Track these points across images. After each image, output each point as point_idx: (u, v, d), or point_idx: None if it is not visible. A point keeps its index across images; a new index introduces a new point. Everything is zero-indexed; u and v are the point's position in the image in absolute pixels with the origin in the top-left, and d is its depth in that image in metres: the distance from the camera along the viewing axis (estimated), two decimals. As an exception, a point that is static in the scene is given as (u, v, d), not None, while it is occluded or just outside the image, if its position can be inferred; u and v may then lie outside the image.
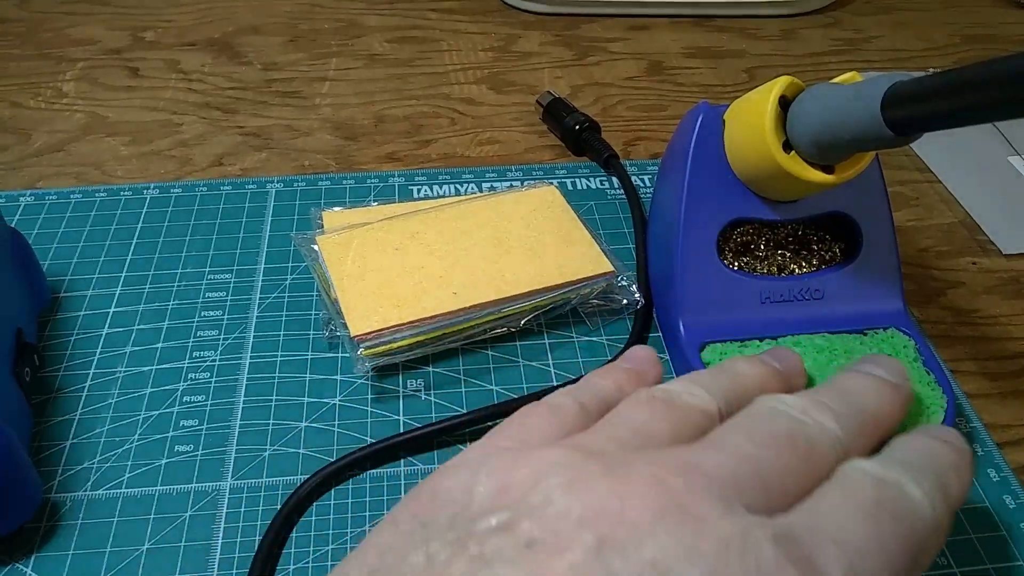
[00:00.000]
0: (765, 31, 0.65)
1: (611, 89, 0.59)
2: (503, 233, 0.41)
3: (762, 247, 0.39)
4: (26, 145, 0.52)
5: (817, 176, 0.34)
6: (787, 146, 0.34)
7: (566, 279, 0.39)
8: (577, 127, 0.52)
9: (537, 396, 0.36)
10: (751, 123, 0.35)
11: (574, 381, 0.37)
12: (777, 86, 0.34)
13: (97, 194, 0.48)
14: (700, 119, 0.37)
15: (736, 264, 0.38)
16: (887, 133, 0.30)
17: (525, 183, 0.49)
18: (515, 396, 0.37)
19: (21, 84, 0.58)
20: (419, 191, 0.49)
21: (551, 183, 0.46)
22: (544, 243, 0.41)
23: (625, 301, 0.40)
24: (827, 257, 0.39)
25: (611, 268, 0.40)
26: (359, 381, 0.38)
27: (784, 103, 0.34)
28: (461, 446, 0.35)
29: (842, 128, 0.31)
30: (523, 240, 0.41)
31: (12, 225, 0.39)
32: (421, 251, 0.40)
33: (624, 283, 0.40)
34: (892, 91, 0.29)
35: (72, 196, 0.48)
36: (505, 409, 0.36)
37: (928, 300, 0.44)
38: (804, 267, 0.39)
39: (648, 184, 0.50)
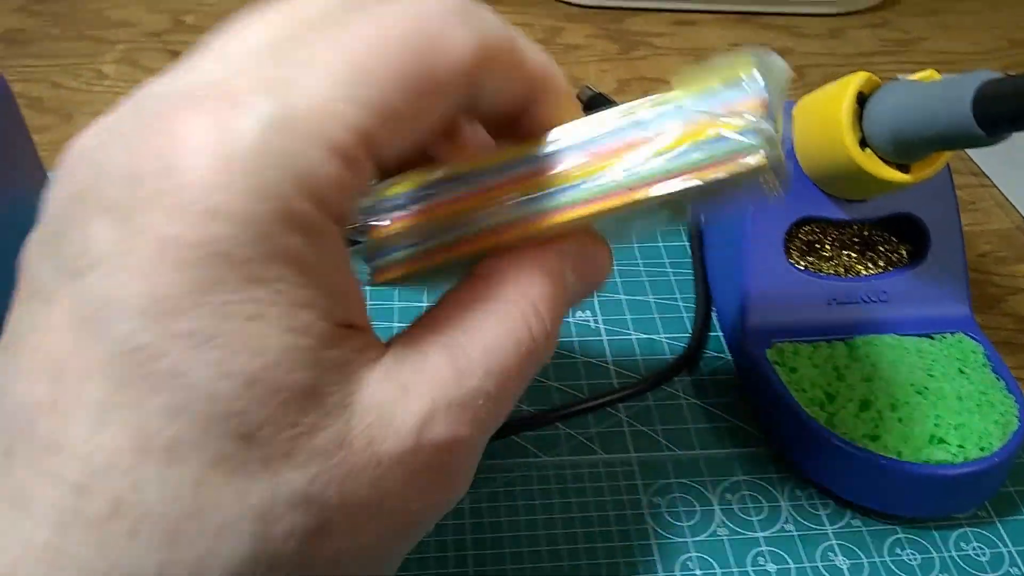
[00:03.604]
0: (811, 29, 0.64)
1: (659, 84, 0.58)
2: None
3: (828, 247, 0.38)
4: (68, 126, 0.52)
5: (894, 175, 0.33)
6: (862, 143, 0.33)
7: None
8: (624, 122, 0.51)
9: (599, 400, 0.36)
10: (825, 119, 0.34)
11: (635, 385, 0.37)
12: (854, 81, 0.33)
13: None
14: (770, 114, 0.37)
15: (802, 264, 0.38)
16: (977, 131, 0.29)
17: None
18: (579, 395, 0.36)
19: (62, 65, 0.57)
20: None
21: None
22: None
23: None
24: (893, 259, 0.38)
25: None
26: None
27: (860, 100, 0.33)
28: (530, 456, 0.35)
29: (926, 126, 0.30)
30: None
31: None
32: None
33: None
34: (984, 88, 0.28)
35: (117, 179, 0.47)
36: (566, 412, 0.35)
37: (989, 306, 0.43)
38: (870, 268, 0.38)
39: (700, 181, 0.49)
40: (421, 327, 0.20)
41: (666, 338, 0.39)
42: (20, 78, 0.56)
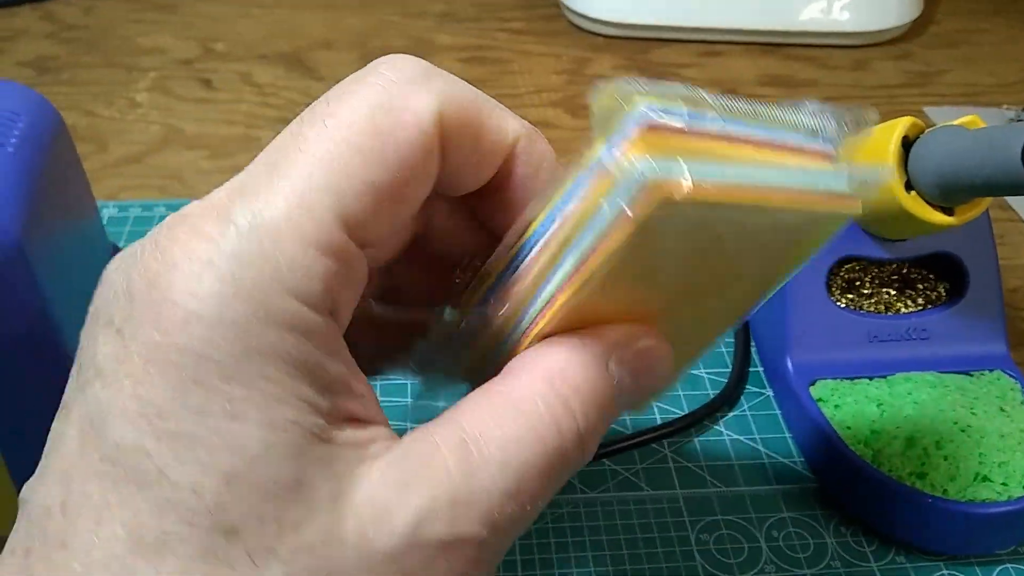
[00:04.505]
0: (835, 61, 0.65)
1: (686, 116, 0.58)
2: None
3: (868, 285, 0.39)
4: (104, 155, 0.52)
5: (939, 218, 0.33)
6: (907, 186, 0.34)
7: None
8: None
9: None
10: (870, 161, 0.35)
11: (679, 421, 0.37)
12: (900, 126, 0.34)
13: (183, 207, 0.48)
14: (813, 154, 0.37)
15: (843, 301, 0.38)
16: (1026, 180, 0.29)
17: None
18: (623, 431, 0.37)
19: (94, 92, 0.58)
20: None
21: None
22: None
23: None
24: (932, 297, 0.39)
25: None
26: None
27: (904, 143, 0.34)
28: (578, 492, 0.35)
29: (973, 173, 0.31)
30: None
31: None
32: None
33: None
34: (1035, 138, 0.29)
35: (156, 208, 0.48)
36: (611, 449, 0.36)
37: (1021, 342, 0.43)
38: (910, 306, 0.38)
39: (731, 214, 0.49)
40: (441, 420, 0.19)
41: (707, 373, 0.39)
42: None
